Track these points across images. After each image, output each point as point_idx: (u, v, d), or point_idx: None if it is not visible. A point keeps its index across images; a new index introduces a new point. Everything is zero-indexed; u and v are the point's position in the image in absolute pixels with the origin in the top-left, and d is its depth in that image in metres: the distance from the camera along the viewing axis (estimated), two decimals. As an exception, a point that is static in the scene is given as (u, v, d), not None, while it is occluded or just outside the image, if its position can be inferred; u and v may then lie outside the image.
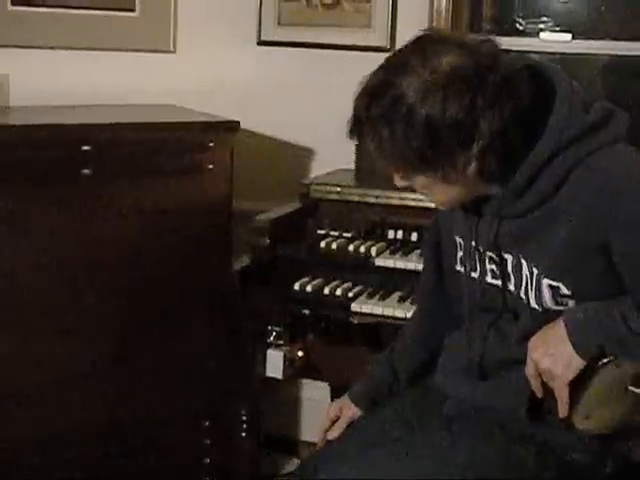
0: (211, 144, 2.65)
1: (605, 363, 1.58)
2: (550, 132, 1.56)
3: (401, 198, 2.59)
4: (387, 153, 1.58)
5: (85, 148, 2.50)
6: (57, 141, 2.50)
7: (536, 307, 1.65)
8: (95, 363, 2.57)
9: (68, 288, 2.52)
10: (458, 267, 1.81)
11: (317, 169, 3.05)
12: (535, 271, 1.63)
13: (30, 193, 2.45)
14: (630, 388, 1.60)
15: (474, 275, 1.76)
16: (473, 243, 1.74)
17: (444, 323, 1.92)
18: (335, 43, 3.03)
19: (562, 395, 1.60)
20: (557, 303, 1.63)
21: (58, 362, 2.53)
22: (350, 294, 2.44)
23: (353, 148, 2.90)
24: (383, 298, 2.41)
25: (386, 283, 2.48)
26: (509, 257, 1.68)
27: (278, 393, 2.96)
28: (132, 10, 3.06)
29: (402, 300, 2.40)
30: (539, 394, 1.65)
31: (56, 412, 2.54)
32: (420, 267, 2.41)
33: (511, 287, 1.69)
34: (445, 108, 1.50)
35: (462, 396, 1.82)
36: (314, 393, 3.15)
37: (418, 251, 2.51)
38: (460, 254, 1.80)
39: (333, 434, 1.96)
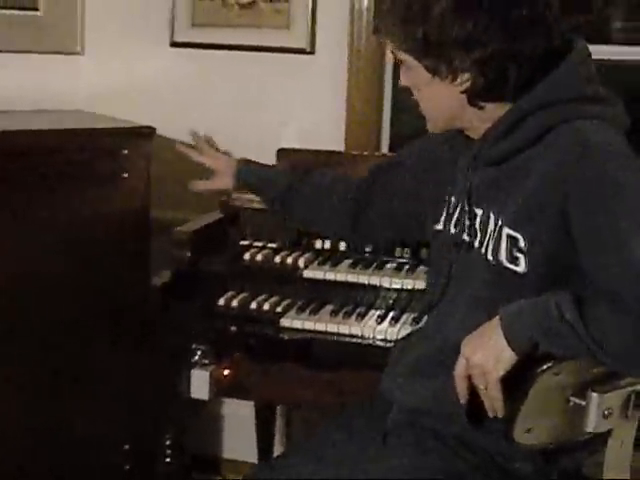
0: (125, 151, 2.51)
1: (543, 370, 1.50)
2: (547, 84, 1.59)
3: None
4: (399, 29, 1.61)
5: (-12, 157, 2.32)
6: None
7: (490, 259, 1.62)
8: (12, 384, 2.40)
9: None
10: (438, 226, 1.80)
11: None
12: (499, 222, 1.62)
13: None
14: (571, 398, 1.54)
15: (453, 231, 1.75)
16: (453, 198, 1.75)
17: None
18: (253, 44, 2.90)
19: (493, 394, 1.53)
20: (511, 259, 1.59)
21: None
22: (278, 309, 2.32)
23: (274, 154, 2.79)
24: (314, 312, 2.30)
25: (316, 296, 2.36)
26: (479, 211, 1.67)
27: (199, 410, 2.82)
28: (36, 9, 2.90)
29: (334, 314, 2.28)
30: (463, 398, 1.57)
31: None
32: (350, 278, 2.35)
33: (476, 243, 1.67)
34: (465, 6, 1.55)
35: (404, 401, 1.77)
36: (237, 410, 3.02)
37: (348, 261, 2.41)
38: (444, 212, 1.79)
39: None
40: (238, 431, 3.13)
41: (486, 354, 1.52)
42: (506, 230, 1.60)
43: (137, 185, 2.54)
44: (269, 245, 2.51)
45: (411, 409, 1.76)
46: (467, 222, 1.70)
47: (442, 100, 1.65)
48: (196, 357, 2.27)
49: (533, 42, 1.57)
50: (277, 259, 2.42)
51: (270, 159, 2.78)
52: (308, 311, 2.30)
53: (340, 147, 2.90)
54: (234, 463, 3.17)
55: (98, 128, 2.60)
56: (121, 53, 2.99)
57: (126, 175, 2.51)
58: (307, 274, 2.37)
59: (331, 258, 2.43)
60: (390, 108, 2.96)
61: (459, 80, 1.60)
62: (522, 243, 1.58)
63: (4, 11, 2.84)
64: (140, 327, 2.44)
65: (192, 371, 2.27)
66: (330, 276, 2.35)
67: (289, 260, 2.41)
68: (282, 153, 2.79)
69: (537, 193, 1.57)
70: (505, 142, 1.62)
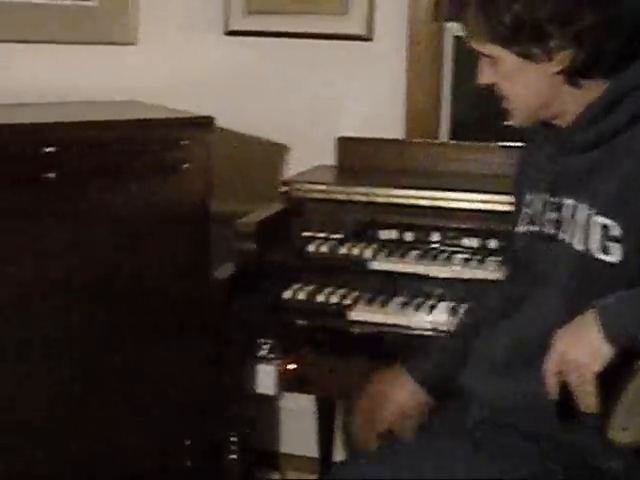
0: (185, 142, 2.46)
1: None
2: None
3: (390, 195, 2.43)
4: (483, 18, 1.54)
5: (47, 150, 2.28)
6: (14, 143, 2.28)
7: (579, 250, 1.56)
8: (67, 382, 2.37)
9: (27, 303, 2.30)
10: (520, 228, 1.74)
11: (294, 166, 2.86)
12: (590, 211, 1.55)
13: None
14: None
15: (532, 229, 1.69)
16: (529, 196, 1.71)
17: None
18: (309, 32, 2.84)
19: (588, 390, 1.44)
20: (603, 248, 1.52)
21: (25, 384, 2.31)
22: (346, 301, 2.26)
23: (331, 142, 2.74)
24: (383, 305, 2.24)
25: (384, 288, 2.30)
26: (567, 201, 1.60)
27: (263, 406, 2.77)
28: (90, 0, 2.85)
29: (404, 306, 2.22)
30: (554, 394, 1.48)
31: (33, 435, 2.33)
32: (420, 270, 2.29)
33: (562, 236, 1.61)
34: None
35: (489, 399, 1.70)
36: (295, 403, 2.97)
37: (415, 252, 2.35)
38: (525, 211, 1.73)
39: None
40: (296, 425, 3.09)
41: (582, 349, 1.44)
42: (598, 219, 1.53)
43: (198, 176, 2.48)
44: (332, 236, 2.45)
45: (495, 407, 1.70)
46: (552, 215, 1.64)
47: (536, 86, 1.57)
48: (262, 351, 2.22)
49: (632, 9, 1.51)
50: (343, 250, 2.36)
51: (328, 147, 2.74)
52: (377, 304, 2.24)
53: (399, 135, 2.83)
54: (292, 457, 3.12)
55: (157, 118, 2.54)
56: (175, 43, 2.94)
57: (187, 166, 2.46)
58: (375, 266, 2.31)
59: (398, 249, 2.36)
60: (450, 95, 2.89)
61: (555, 60, 1.53)
62: (617, 231, 1.51)
63: (59, 2, 2.81)
64: (203, 321, 2.38)
65: (258, 366, 2.22)
66: (399, 268, 2.29)
67: (355, 251, 2.35)
68: (341, 142, 2.75)
69: (635, 176, 1.50)
70: (600, 125, 1.55)
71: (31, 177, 2.27)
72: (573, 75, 1.55)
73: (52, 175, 2.28)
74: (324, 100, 2.89)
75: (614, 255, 1.52)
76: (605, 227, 1.52)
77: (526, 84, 1.58)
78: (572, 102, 1.59)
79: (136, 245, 2.43)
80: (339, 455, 2.98)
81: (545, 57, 1.53)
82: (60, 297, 2.33)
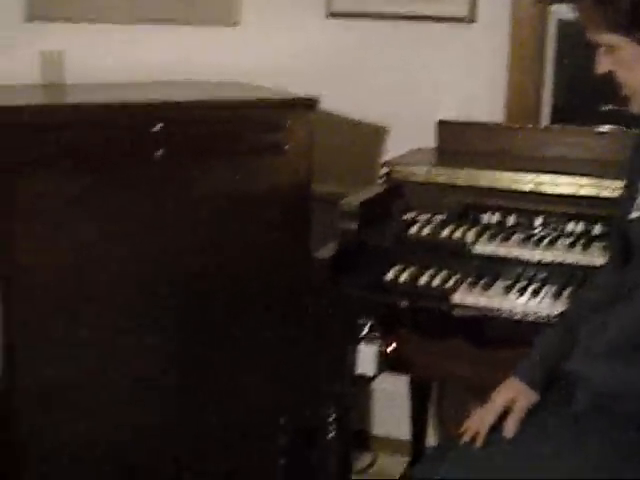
0: (288, 123, 2.48)
1: None
2: None
3: (492, 179, 2.41)
4: (600, 6, 1.55)
5: (156, 128, 2.32)
6: (125, 121, 2.33)
7: None
8: (166, 358, 2.42)
9: (139, 278, 2.36)
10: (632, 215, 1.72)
11: (393, 149, 2.85)
12: None
13: (97, 177, 2.28)
14: None
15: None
16: None
17: None
18: (412, 13, 2.83)
19: None
20: None
21: (127, 358, 2.37)
22: (448, 284, 2.25)
23: (431, 125, 2.73)
24: (485, 288, 2.23)
25: (486, 271, 2.29)
26: None
27: (363, 386, 2.78)
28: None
29: (508, 290, 2.21)
30: None
31: (126, 413, 2.39)
32: (524, 254, 2.27)
33: None
34: None
35: (599, 384, 1.68)
36: (390, 385, 2.96)
37: (518, 236, 2.33)
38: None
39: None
40: (389, 407, 3.09)
41: None
42: None
43: (300, 156, 2.51)
44: (434, 219, 2.44)
45: (604, 392, 1.68)
46: None
47: None
48: (364, 332, 2.22)
49: None
50: (444, 233, 2.36)
51: (428, 130, 2.73)
52: (480, 287, 2.23)
53: (498, 118, 2.81)
54: (384, 440, 3.13)
55: (261, 99, 2.57)
56: (278, 24, 2.96)
57: (288, 147, 2.48)
58: (477, 249, 2.30)
59: (501, 233, 2.35)
60: (552, 78, 2.85)
61: None
62: None
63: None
64: (305, 301, 2.40)
65: (359, 346, 2.22)
66: (502, 252, 2.27)
67: (457, 234, 2.34)
68: (442, 126, 2.73)
69: None
70: None
71: (140, 154, 2.32)
72: None
73: (159, 153, 2.32)
74: (424, 82, 2.88)
75: None
76: None
77: None
78: None
79: (238, 224, 2.47)
80: (431, 439, 2.99)
81: None
82: (173, 270, 2.38)
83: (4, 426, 2.28)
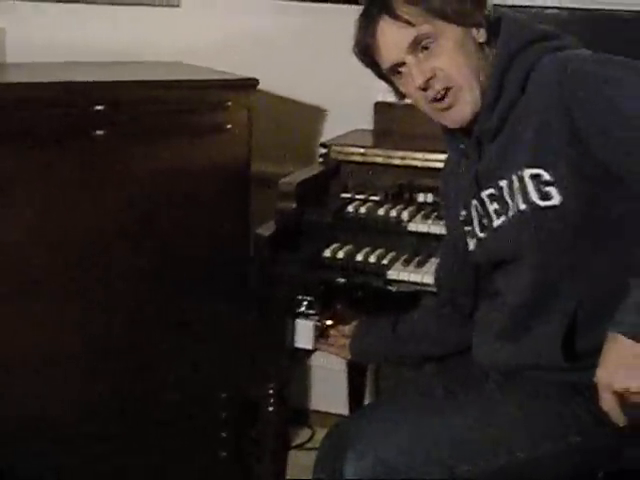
0: (229, 103, 2.52)
1: None
2: (500, 45, 1.69)
3: (427, 160, 2.48)
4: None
5: (98, 108, 2.34)
6: (66, 100, 2.34)
7: (524, 207, 1.66)
8: (108, 336, 2.44)
9: (78, 255, 2.38)
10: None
11: (332, 130, 2.91)
12: (519, 172, 1.66)
13: (36, 156, 2.29)
14: None
15: (481, 235, 1.81)
16: (464, 211, 1.84)
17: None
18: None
19: None
20: (542, 196, 1.63)
21: (68, 336, 2.39)
22: (384, 261, 2.33)
23: (370, 107, 2.79)
24: (420, 265, 2.31)
25: (420, 249, 2.37)
26: (503, 182, 1.71)
27: (301, 361, 2.84)
28: (135, -39, 2.90)
29: (441, 267, 2.29)
30: (622, 422, 1.53)
31: (69, 384, 2.41)
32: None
33: (511, 212, 1.71)
34: None
35: (501, 362, 1.81)
36: (326, 361, 3.03)
37: (451, 215, 2.41)
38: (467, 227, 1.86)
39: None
40: (327, 383, 3.16)
41: (627, 371, 1.48)
42: (527, 171, 1.64)
43: (240, 137, 2.55)
44: (370, 198, 2.51)
45: (503, 371, 1.81)
46: (495, 206, 1.75)
47: (462, 57, 1.70)
48: (302, 308, 2.28)
49: None
50: (380, 212, 2.43)
51: (365, 112, 2.78)
52: (415, 264, 2.31)
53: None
54: (323, 415, 3.20)
55: (202, 79, 2.60)
56: (219, 5, 2.99)
57: (230, 126, 2.52)
58: (411, 227, 2.38)
59: (434, 211, 2.43)
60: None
61: (480, 33, 1.72)
62: (547, 176, 1.62)
63: (105, -36, 2.85)
64: (244, 278, 2.46)
65: (297, 321, 2.29)
66: (435, 229, 2.35)
67: (393, 213, 2.42)
68: (379, 107, 2.80)
69: (545, 123, 1.61)
70: (499, 105, 1.69)
71: (80, 134, 2.34)
72: (483, 51, 1.72)
73: (100, 133, 2.35)
74: (361, 65, 2.92)
75: (554, 198, 1.62)
76: (536, 176, 1.63)
77: (451, 58, 1.69)
78: (484, 77, 1.71)
79: (179, 203, 2.50)
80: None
81: (470, 23, 1.71)
82: (112, 250, 2.40)
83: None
